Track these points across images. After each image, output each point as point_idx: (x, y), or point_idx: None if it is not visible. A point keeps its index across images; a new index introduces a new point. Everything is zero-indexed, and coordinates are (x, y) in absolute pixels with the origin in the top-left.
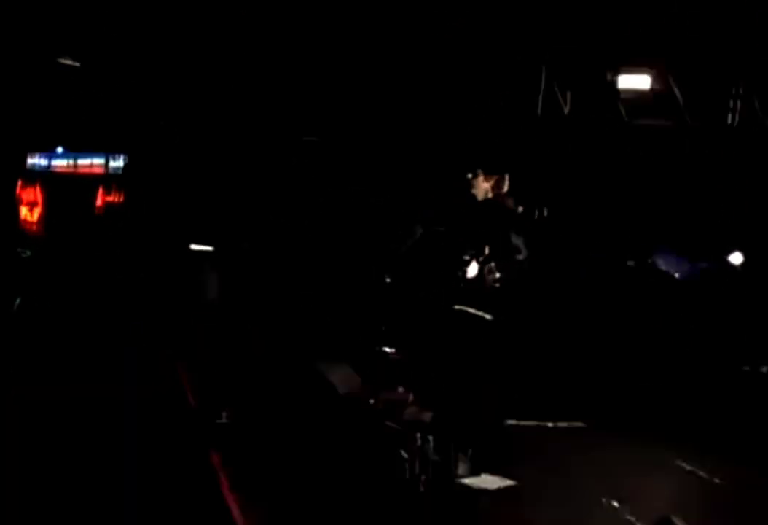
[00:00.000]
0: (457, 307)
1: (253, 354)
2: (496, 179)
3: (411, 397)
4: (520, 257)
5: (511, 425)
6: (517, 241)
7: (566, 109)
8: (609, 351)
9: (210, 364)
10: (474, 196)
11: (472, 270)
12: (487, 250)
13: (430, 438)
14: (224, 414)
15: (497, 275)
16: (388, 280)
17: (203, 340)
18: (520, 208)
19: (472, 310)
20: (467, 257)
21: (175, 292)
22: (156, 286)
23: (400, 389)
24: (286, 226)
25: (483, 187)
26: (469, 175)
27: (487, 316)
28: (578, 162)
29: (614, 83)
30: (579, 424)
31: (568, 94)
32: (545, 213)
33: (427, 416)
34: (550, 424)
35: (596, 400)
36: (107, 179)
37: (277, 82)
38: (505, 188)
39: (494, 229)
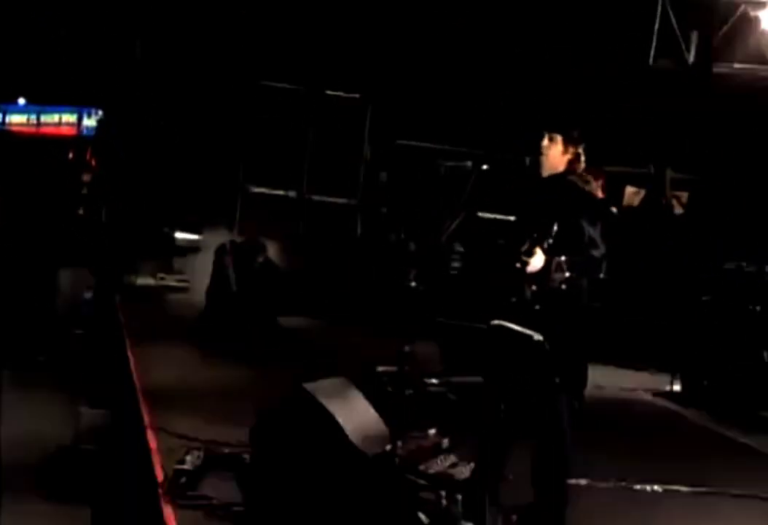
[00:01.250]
0: (495, 322)
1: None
2: (576, 150)
3: (446, 442)
4: (597, 254)
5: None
6: (592, 232)
7: (690, 57)
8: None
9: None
10: (540, 168)
11: (537, 261)
12: (553, 235)
13: (459, 498)
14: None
15: (566, 274)
16: (413, 284)
17: None
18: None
19: (516, 327)
20: (526, 245)
21: None
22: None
23: (432, 432)
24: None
25: (556, 159)
26: (545, 141)
27: (537, 336)
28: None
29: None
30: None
31: (694, 36)
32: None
33: (462, 471)
34: (637, 487)
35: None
36: (80, 143)
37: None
38: (582, 165)
39: (562, 212)
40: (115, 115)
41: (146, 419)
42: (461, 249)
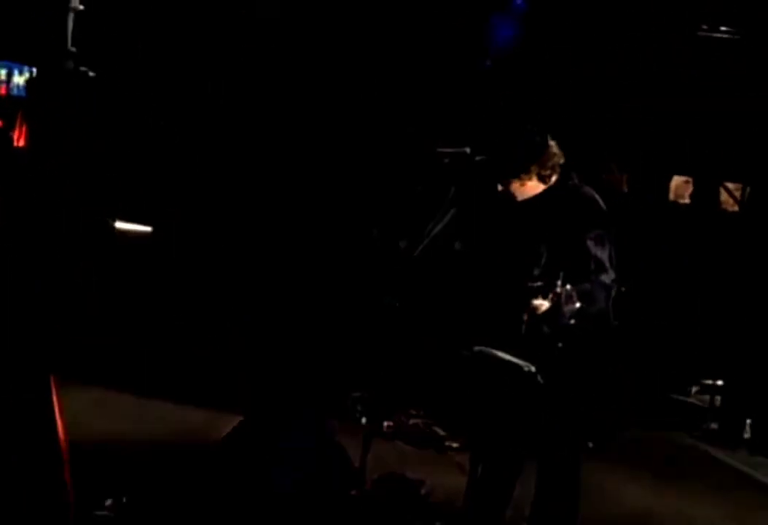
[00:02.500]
0: (477, 348)
1: None
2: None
3: None
4: (607, 280)
5: None
6: (600, 254)
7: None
8: None
9: None
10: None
11: (541, 303)
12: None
13: None
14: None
15: (577, 305)
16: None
17: None
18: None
19: (504, 356)
20: (538, 283)
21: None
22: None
23: None
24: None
25: (527, 188)
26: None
27: (527, 367)
28: None
29: None
30: None
31: None
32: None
33: None
34: None
35: None
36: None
37: None
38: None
39: (561, 233)
40: (50, 74)
41: None
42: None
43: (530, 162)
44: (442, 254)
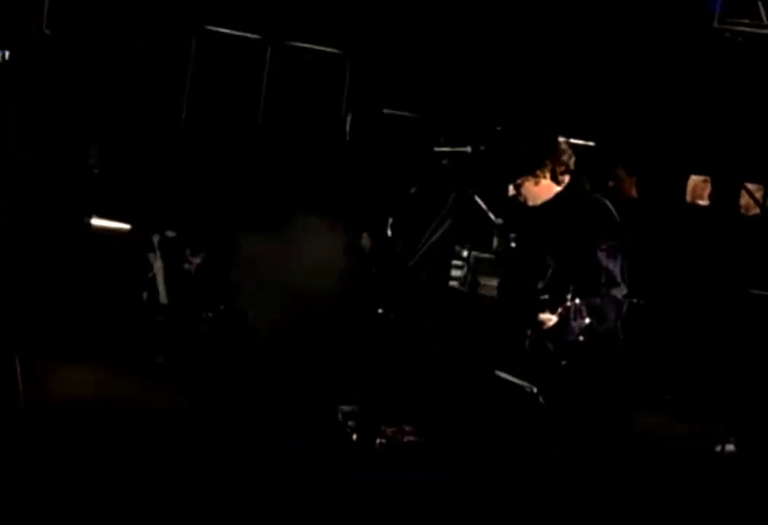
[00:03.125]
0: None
1: None
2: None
3: None
4: (618, 295)
5: None
6: (612, 266)
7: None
8: None
9: None
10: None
11: (549, 318)
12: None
13: None
14: None
15: (586, 321)
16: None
17: None
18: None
19: (506, 376)
20: (541, 297)
21: None
22: None
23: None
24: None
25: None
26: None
27: (528, 388)
28: None
29: None
30: None
31: None
32: None
33: None
34: None
35: None
36: None
37: None
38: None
39: (570, 244)
40: (24, 58)
41: None
42: (464, 255)
43: (544, 155)
44: (440, 263)
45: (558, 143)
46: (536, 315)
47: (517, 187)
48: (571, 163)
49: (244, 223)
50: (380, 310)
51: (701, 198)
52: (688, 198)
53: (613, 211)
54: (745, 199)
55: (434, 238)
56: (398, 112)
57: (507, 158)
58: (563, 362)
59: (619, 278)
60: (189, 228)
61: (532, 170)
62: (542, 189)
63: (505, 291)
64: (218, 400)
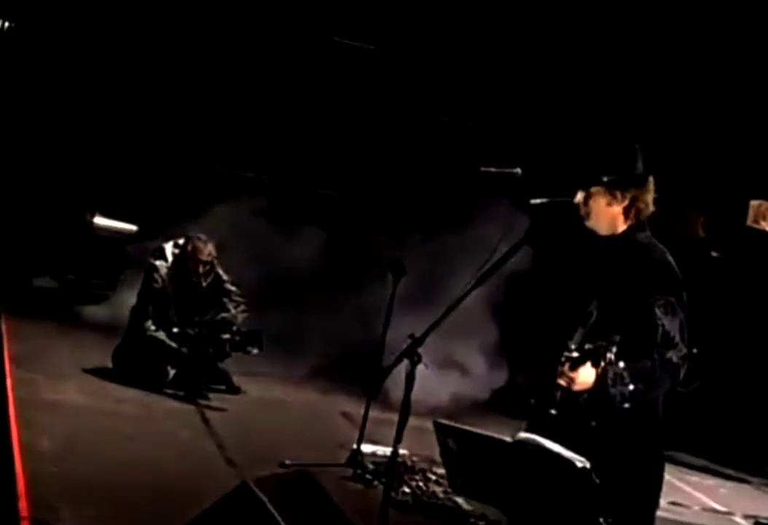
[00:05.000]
0: (522, 436)
1: None
2: (629, 194)
3: None
4: (674, 358)
5: None
6: (668, 324)
7: None
8: None
9: None
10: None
11: (586, 376)
12: (618, 338)
13: None
14: None
15: (630, 388)
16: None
17: None
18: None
19: (554, 447)
20: (574, 352)
21: None
22: None
23: None
24: None
25: (604, 216)
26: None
27: (581, 463)
28: None
29: None
30: None
31: None
32: None
33: None
34: None
35: None
36: None
37: None
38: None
39: (634, 290)
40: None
41: None
42: None
43: (634, 180)
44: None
45: (649, 178)
46: (565, 372)
47: (587, 197)
48: (651, 206)
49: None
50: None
51: (763, 221)
52: (750, 221)
53: (674, 264)
54: None
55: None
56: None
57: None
58: (593, 423)
59: (677, 338)
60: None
61: (615, 185)
62: (609, 215)
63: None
64: None
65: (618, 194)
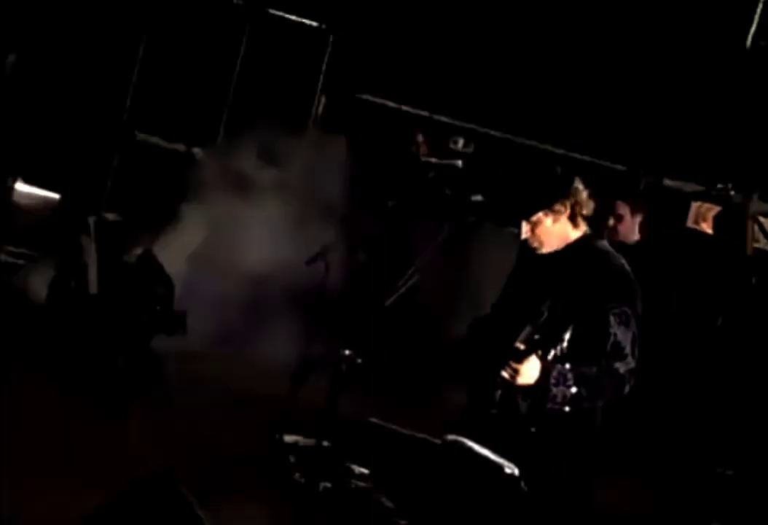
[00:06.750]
0: (451, 438)
1: None
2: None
3: None
4: (621, 369)
5: None
6: (621, 334)
7: None
8: None
9: None
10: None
11: (531, 370)
12: (567, 336)
13: None
14: None
15: (573, 390)
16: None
17: None
18: None
19: (482, 451)
20: (521, 344)
21: None
22: None
23: None
24: None
25: (556, 229)
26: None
27: (509, 468)
28: None
29: None
30: None
31: None
32: None
33: None
34: None
35: None
36: None
37: None
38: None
39: (587, 296)
40: None
41: None
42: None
43: (564, 190)
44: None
45: (575, 179)
46: (510, 364)
47: (533, 227)
48: (591, 206)
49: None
50: (347, 352)
51: (704, 222)
52: (690, 222)
53: (629, 271)
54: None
55: (415, 280)
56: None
57: (520, 186)
58: (533, 429)
59: (627, 349)
60: (132, 212)
61: (550, 203)
62: (559, 231)
63: (479, 332)
64: None
65: (557, 207)
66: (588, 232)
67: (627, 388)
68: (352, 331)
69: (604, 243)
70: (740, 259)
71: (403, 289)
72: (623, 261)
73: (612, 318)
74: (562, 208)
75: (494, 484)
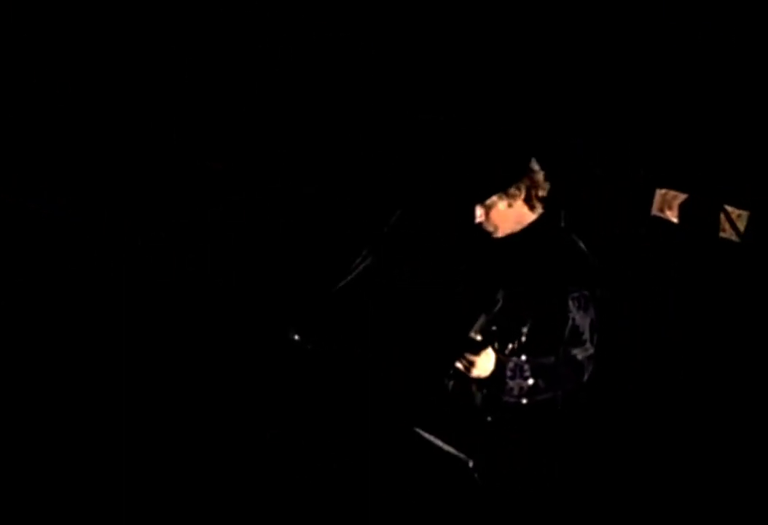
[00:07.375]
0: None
1: None
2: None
3: None
4: (580, 356)
5: None
6: (579, 319)
7: None
8: None
9: None
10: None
11: (486, 362)
12: (525, 329)
13: None
14: None
15: (530, 382)
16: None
17: None
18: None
19: (436, 441)
20: (477, 335)
21: None
22: None
23: None
24: None
25: (511, 212)
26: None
27: (464, 459)
28: None
29: None
30: None
31: None
32: None
33: None
34: None
35: None
36: None
37: None
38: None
39: (545, 281)
40: None
41: None
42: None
43: (520, 173)
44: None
45: (532, 161)
46: (465, 355)
47: (487, 210)
48: (547, 188)
49: None
50: (296, 337)
51: (669, 208)
52: (654, 209)
53: (593, 259)
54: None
55: (367, 263)
56: None
57: (474, 168)
58: (488, 418)
59: (586, 335)
60: None
61: (505, 186)
62: (514, 214)
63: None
64: None
65: (512, 190)
66: (544, 214)
67: (586, 376)
68: (300, 316)
69: (563, 226)
70: (707, 249)
71: (355, 273)
72: (583, 245)
73: (570, 302)
74: (517, 191)
75: (448, 474)
